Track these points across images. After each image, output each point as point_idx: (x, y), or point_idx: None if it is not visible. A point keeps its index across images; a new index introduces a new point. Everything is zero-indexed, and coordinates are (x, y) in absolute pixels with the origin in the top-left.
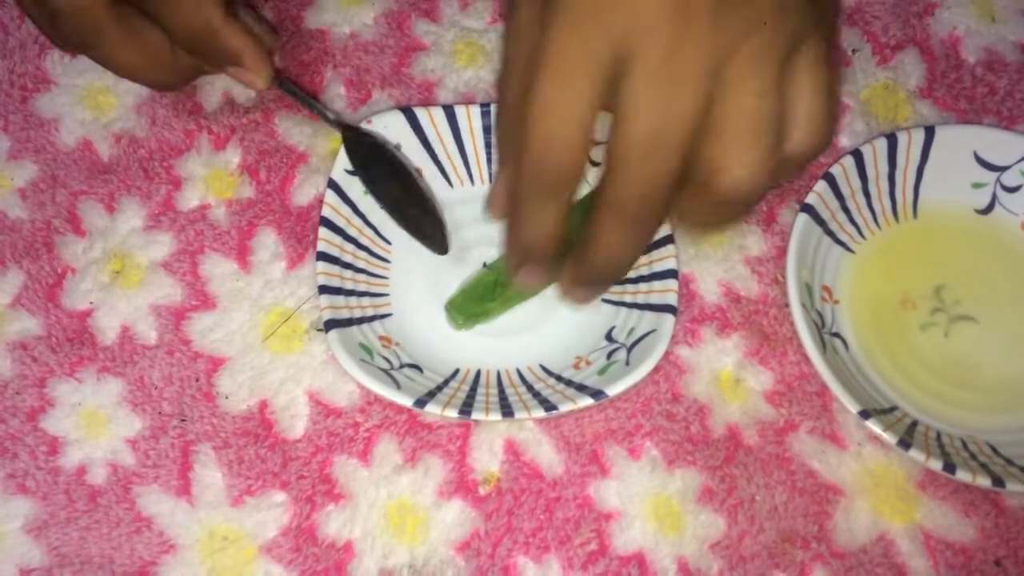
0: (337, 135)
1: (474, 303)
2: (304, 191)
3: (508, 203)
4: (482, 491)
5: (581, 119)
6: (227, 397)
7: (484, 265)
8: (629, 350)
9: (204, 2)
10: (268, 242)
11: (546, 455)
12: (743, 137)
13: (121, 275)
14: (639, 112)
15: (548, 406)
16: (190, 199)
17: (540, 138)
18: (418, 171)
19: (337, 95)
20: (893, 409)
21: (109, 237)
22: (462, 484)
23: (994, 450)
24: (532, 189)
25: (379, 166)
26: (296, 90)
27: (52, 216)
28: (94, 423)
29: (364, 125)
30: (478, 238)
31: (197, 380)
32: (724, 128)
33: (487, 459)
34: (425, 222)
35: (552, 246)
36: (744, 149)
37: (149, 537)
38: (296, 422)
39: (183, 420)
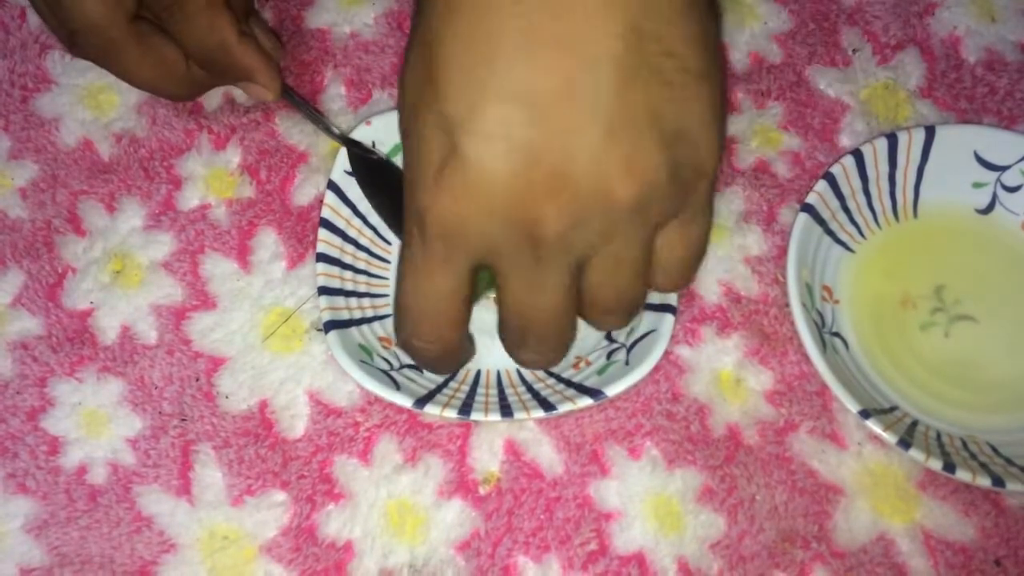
0: None
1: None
2: (304, 191)
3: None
4: (482, 491)
5: (445, 311)
6: (227, 397)
7: None
8: (629, 350)
9: (218, 21)
10: (268, 242)
11: (546, 455)
12: (609, 305)
13: (121, 275)
14: (514, 305)
15: (548, 406)
16: (190, 199)
17: (407, 332)
18: None
19: (337, 95)
20: (893, 409)
21: (109, 237)
22: (462, 484)
23: (994, 450)
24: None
25: (382, 181)
26: (301, 102)
27: (52, 216)
28: (94, 423)
29: (364, 126)
30: None
31: (197, 380)
32: (593, 300)
33: (487, 459)
34: None
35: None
36: (611, 314)
37: (149, 537)
38: (296, 422)
39: (183, 420)
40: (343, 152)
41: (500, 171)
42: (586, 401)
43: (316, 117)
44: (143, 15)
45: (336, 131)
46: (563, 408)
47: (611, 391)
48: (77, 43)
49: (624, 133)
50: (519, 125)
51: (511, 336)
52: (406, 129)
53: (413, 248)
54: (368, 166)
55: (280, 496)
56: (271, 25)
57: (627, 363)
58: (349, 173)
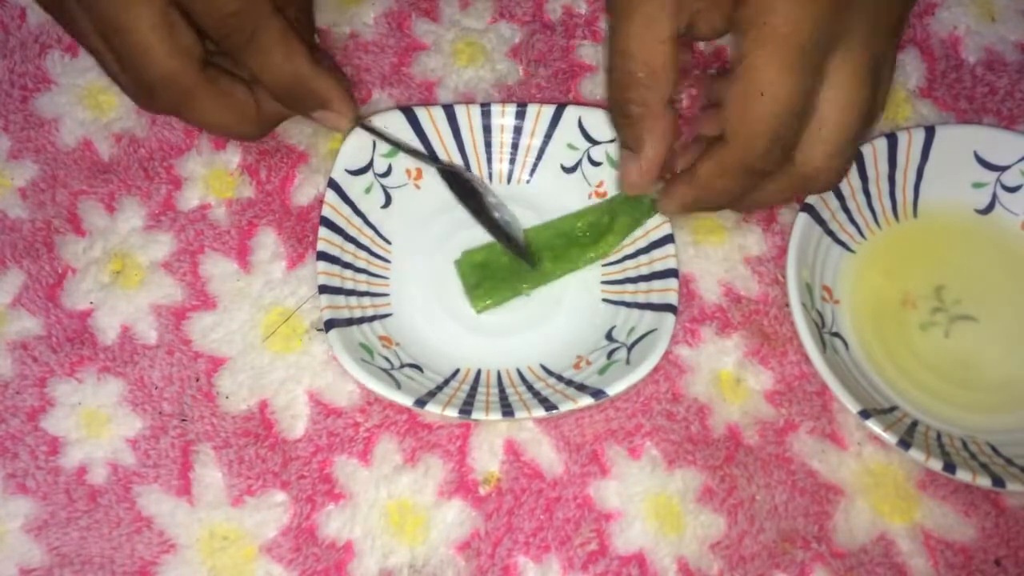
0: (338, 134)
1: (502, 285)
2: (304, 191)
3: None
4: (482, 491)
5: (659, 44)
6: (227, 397)
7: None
8: (629, 349)
9: (294, 51)
10: (268, 242)
11: (546, 455)
12: (837, 139)
13: (121, 275)
14: (766, 87)
15: (548, 406)
16: (190, 199)
17: (618, 80)
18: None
19: None
20: (893, 409)
21: (109, 237)
22: (462, 484)
23: (994, 450)
24: (622, 108)
25: (474, 200)
26: (376, 130)
27: (52, 216)
28: (94, 423)
29: (368, 123)
30: (479, 238)
31: (197, 380)
32: (823, 124)
33: (487, 459)
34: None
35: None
36: (835, 152)
37: (149, 537)
38: (296, 422)
39: (183, 420)
40: (343, 151)
41: None
42: (587, 400)
43: (397, 143)
44: (210, 59)
45: (425, 153)
46: (564, 407)
47: (612, 390)
48: (155, 96)
49: None
50: None
51: (731, 152)
52: None
53: None
54: (463, 188)
55: (280, 496)
56: None
57: (628, 362)
58: (350, 172)
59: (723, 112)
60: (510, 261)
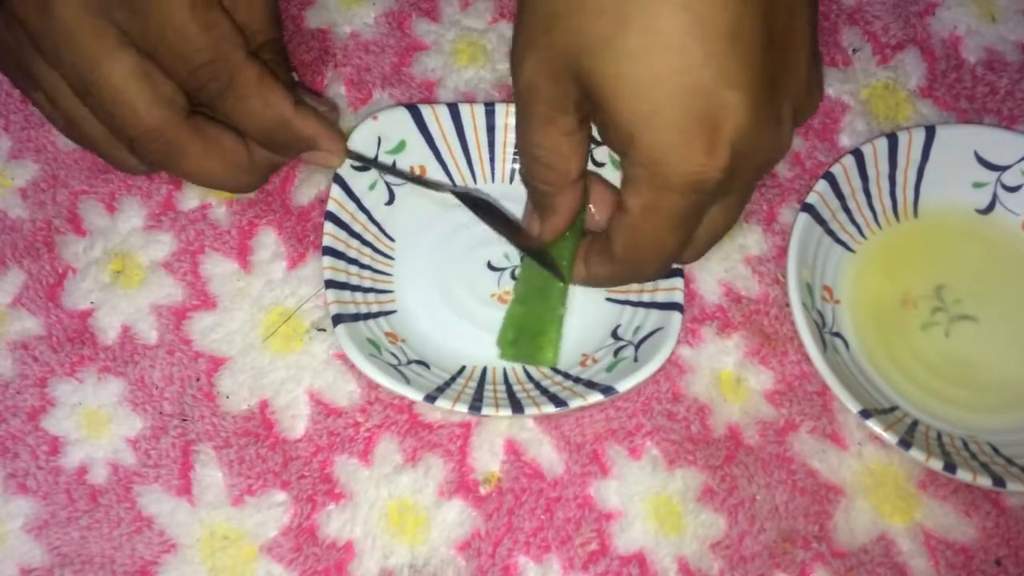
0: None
1: (530, 340)
2: (304, 191)
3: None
4: (483, 491)
5: (557, 146)
6: (228, 397)
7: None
8: (637, 347)
9: (273, 96)
10: (269, 242)
11: (547, 455)
12: (706, 246)
13: (122, 275)
14: (649, 240)
15: (558, 402)
16: (191, 199)
17: (526, 160)
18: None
19: (338, 95)
20: (894, 409)
21: (110, 237)
22: (463, 484)
23: (995, 450)
24: (533, 200)
25: (493, 214)
26: (372, 162)
27: (53, 216)
28: (95, 423)
29: (370, 121)
30: (482, 237)
31: (198, 380)
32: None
33: (488, 459)
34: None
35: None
36: (701, 254)
37: (150, 537)
38: (297, 422)
39: (184, 420)
40: (349, 145)
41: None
42: (597, 396)
43: (400, 173)
44: (196, 109)
45: (435, 183)
46: (574, 403)
47: (621, 387)
48: (138, 151)
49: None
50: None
51: (616, 254)
52: None
53: None
54: (483, 207)
55: (280, 496)
56: None
57: (636, 360)
58: (355, 168)
59: (609, 224)
60: (536, 307)
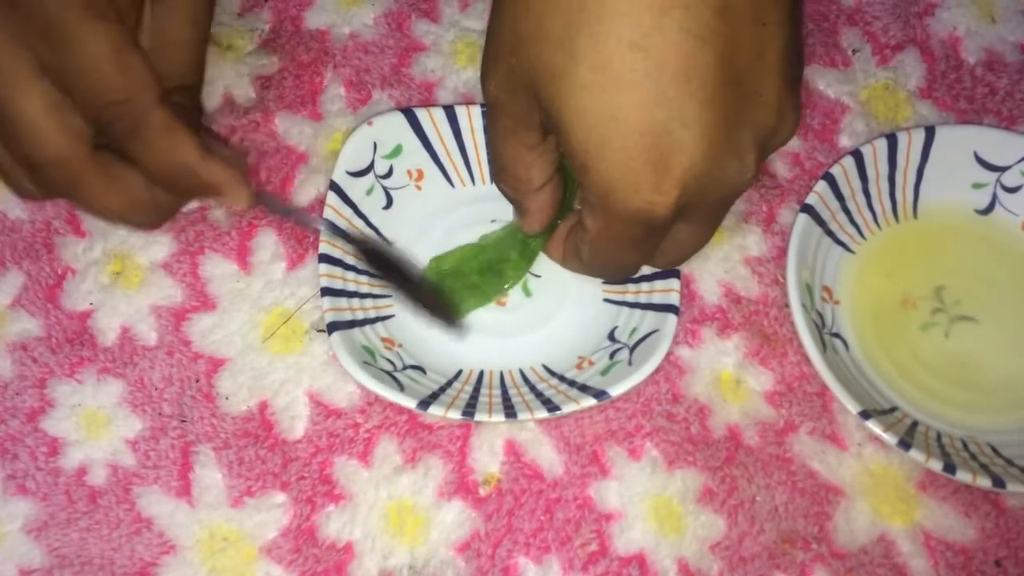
0: (338, 135)
1: (475, 291)
2: (304, 191)
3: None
4: (482, 492)
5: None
6: (227, 398)
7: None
8: (631, 350)
9: (179, 143)
10: (268, 243)
11: (546, 456)
12: (678, 260)
13: (121, 276)
14: (610, 259)
15: (551, 407)
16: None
17: (493, 167)
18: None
19: (337, 95)
20: (893, 410)
21: (109, 238)
22: (462, 485)
23: (995, 451)
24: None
25: (396, 268)
26: (278, 203)
27: (52, 217)
28: (94, 424)
29: (365, 126)
30: (479, 239)
31: (197, 381)
32: (665, 250)
33: (487, 460)
34: (438, 308)
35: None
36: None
37: (149, 538)
38: (296, 423)
39: (183, 421)
40: (344, 153)
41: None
42: (590, 401)
43: (295, 213)
44: (102, 144)
45: (321, 226)
46: (567, 408)
47: (615, 391)
48: (39, 178)
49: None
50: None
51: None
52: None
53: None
54: (381, 258)
55: (280, 497)
56: (270, 27)
57: (630, 363)
58: (351, 174)
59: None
60: (481, 264)
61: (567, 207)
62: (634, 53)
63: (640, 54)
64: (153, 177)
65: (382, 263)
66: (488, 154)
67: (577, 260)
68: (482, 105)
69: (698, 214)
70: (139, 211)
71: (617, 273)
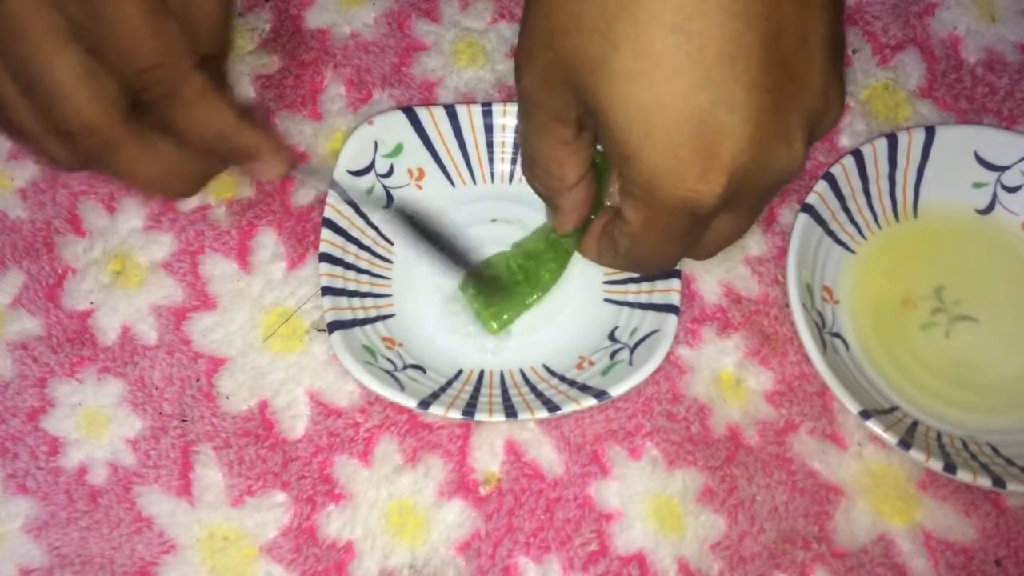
0: (338, 134)
1: (507, 303)
2: (304, 191)
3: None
4: (483, 491)
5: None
6: (228, 397)
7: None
8: (632, 350)
9: (217, 106)
10: (268, 242)
11: (547, 455)
12: (717, 249)
13: (121, 275)
14: (652, 253)
15: (551, 407)
16: (190, 199)
17: (526, 163)
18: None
19: (337, 95)
20: (894, 409)
21: (109, 237)
22: (463, 484)
23: (995, 450)
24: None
25: (428, 231)
26: (318, 171)
27: (52, 216)
28: (94, 423)
29: (366, 126)
30: (481, 238)
31: (198, 380)
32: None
33: (488, 459)
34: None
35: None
36: (712, 254)
37: (149, 537)
38: (297, 422)
39: (184, 420)
40: (344, 152)
41: None
42: (590, 401)
43: (335, 183)
44: (135, 113)
45: (357, 199)
46: (567, 408)
47: (615, 391)
48: (72, 148)
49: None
50: None
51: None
52: None
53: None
54: (413, 222)
55: (280, 496)
56: (271, 26)
57: (631, 363)
58: (351, 173)
59: (614, 224)
60: (517, 271)
61: (598, 203)
62: (676, 36)
63: (682, 36)
64: (190, 143)
65: (421, 228)
66: (519, 151)
67: (613, 255)
68: (483, 104)
69: (743, 203)
70: (173, 179)
71: (656, 268)
